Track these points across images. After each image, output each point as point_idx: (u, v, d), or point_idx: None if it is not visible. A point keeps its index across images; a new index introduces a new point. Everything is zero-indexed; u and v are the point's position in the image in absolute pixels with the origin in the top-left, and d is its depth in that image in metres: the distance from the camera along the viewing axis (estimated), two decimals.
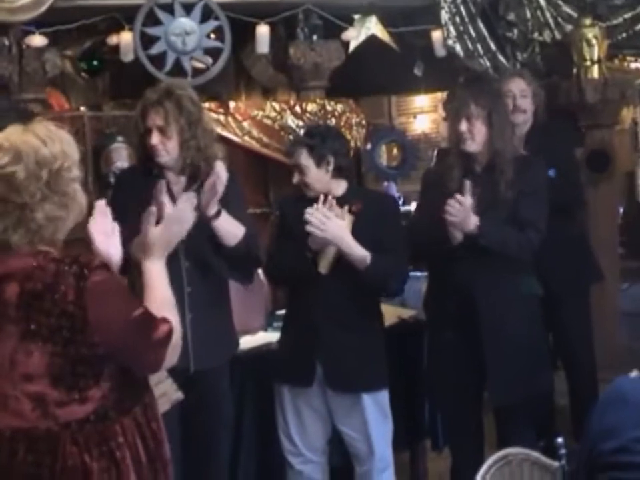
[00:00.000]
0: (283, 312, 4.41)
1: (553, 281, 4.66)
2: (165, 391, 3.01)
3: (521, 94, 4.97)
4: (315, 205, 3.88)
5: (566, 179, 4.88)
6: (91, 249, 2.67)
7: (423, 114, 10.56)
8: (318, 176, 4.00)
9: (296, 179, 4.04)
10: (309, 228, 3.84)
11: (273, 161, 6.08)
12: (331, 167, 4.00)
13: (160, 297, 2.60)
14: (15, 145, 2.43)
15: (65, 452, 2.43)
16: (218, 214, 3.71)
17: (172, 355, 2.54)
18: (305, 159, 4.00)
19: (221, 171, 3.65)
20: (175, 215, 2.88)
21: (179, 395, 3.23)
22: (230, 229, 3.78)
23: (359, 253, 3.90)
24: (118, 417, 2.51)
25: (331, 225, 3.86)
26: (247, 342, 4.44)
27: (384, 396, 4.14)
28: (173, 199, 3.79)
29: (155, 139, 3.73)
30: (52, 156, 2.45)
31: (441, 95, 8.79)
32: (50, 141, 2.48)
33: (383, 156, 7.37)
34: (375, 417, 4.09)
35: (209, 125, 3.93)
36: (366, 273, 3.90)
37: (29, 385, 2.41)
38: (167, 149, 3.74)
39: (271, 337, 4.46)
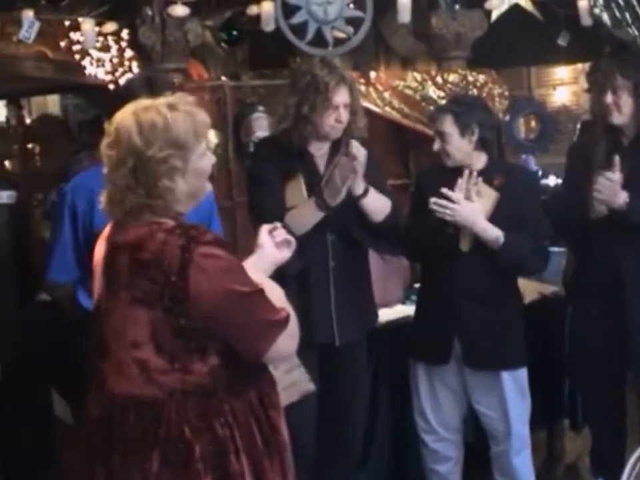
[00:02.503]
0: None
1: None
2: (295, 381, 2.91)
3: None
4: (458, 180, 3.80)
5: None
6: None
7: (563, 85, 10.33)
8: (460, 145, 3.93)
9: (437, 146, 3.97)
10: (437, 215, 3.78)
11: (413, 131, 6.02)
12: (474, 138, 3.92)
13: (275, 294, 2.55)
14: (119, 130, 2.48)
15: (168, 420, 2.45)
16: (365, 193, 3.72)
17: (287, 345, 2.52)
18: (449, 126, 3.92)
19: (356, 151, 3.64)
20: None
21: (310, 387, 3.11)
22: (378, 206, 3.80)
23: (492, 234, 3.81)
24: (228, 397, 2.50)
25: (460, 210, 3.77)
26: (384, 314, 4.42)
27: (523, 374, 4.06)
28: (314, 166, 3.81)
29: (345, 116, 3.79)
30: (181, 134, 2.48)
31: (582, 66, 8.57)
32: (180, 116, 2.51)
33: (521, 128, 7.22)
34: (513, 396, 4.01)
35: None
36: (500, 253, 3.81)
37: (136, 351, 2.46)
38: (344, 124, 3.81)
39: (409, 310, 4.42)
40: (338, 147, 3.80)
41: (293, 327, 2.51)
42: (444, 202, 3.76)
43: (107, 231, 2.60)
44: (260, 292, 2.46)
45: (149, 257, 2.40)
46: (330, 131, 3.82)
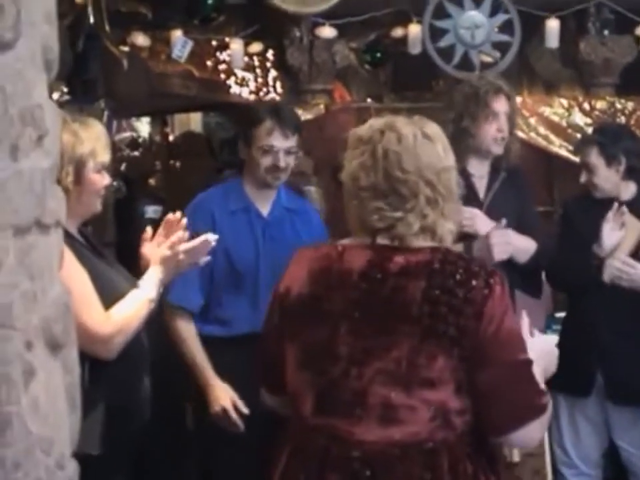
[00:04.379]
0: (562, 314, 4.30)
1: None
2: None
3: None
4: (608, 214, 3.73)
5: None
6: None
7: None
8: (607, 176, 3.86)
9: (584, 178, 3.92)
10: (615, 281, 3.75)
11: (558, 158, 5.95)
12: (622, 168, 3.85)
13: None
14: (444, 146, 2.26)
15: (465, 467, 2.17)
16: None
17: (537, 433, 2.25)
18: (595, 158, 3.86)
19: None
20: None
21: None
22: (520, 247, 3.77)
23: None
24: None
25: (631, 272, 3.73)
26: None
27: None
28: (472, 186, 3.78)
29: (506, 126, 3.80)
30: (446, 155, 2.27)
31: None
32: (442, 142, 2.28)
33: None
34: None
35: None
36: None
37: (429, 392, 2.12)
38: (505, 135, 3.81)
39: (551, 339, 4.33)
40: (498, 168, 3.80)
41: (549, 414, 2.24)
42: (627, 268, 3.71)
43: (333, 259, 2.27)
44: (531, 363, 2.20)
45: (454, 283, 2.12)
46: (492, 144, 3.79)
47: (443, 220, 2.20)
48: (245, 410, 3.51)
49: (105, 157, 2.91)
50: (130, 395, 2.93)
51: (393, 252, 2.19)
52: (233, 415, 3.50)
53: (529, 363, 2.17)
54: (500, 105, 3.77)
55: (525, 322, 2.39)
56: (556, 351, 2.46)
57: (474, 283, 2.11)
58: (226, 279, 3.58)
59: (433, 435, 2.13)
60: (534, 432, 2.20)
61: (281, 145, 3.53)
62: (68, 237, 2.78)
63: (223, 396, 3.52)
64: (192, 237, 3.36)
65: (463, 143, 3.75)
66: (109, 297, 2.83)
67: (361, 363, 2.14)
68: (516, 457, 2.43)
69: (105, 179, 2.93)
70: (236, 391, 3.53)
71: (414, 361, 2.10)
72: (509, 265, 3.75)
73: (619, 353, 3.83)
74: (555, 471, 4.10)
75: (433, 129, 2.25)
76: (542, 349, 2.39)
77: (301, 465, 2.23)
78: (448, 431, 2.14)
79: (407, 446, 2.13)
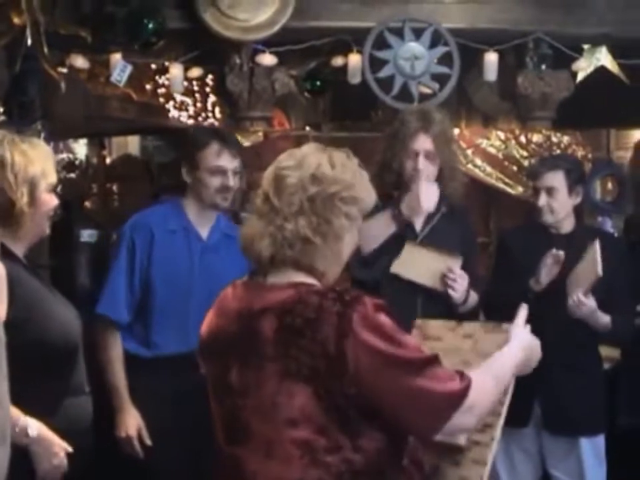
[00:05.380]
0: None
1: None
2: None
3: None
4: (545, 260, 3.78)
5: None
6: None
7: None
8: (565, 203, 3.91)
9: (542, 201, 3.91)
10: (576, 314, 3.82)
11: (494, 190, 6.01)
12: (578, 199, 3.91)
13: (495, 368, 2.34)
14: (304, 156, 2.25)
15: None
16: (465, 300, 3.80)
17: (465, 420, 2.18)
18: (560, 182, 3.89)
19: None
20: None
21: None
22: (470, 302, 3.84)
23: (603, 322, 3.85)
24: (394, 474, 2.22)
25: (583, 309, 3.78)
26: None
27: (601, 441, 4.03)
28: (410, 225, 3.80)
29: (423, 164, 3.77)
30: (333, 179, 2.23)
31: None
32: (341, 167, 2.27)
33: (598, 190, 7.16)
34: (591, 463, 3.97)
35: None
36: (607, 334, 3.85)
37: (294, 431, 2.13)
38: (433, 174, 3.79)
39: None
40: (438, 204, 3.81)
41: (476, 396, 2.17)
42: (580, 299, 3.74)
43: (229, 297, 2.33)
44: (429, 360, 2.16)
45: (302, 323, 2.11)
46: (409, 181, 3.79)
47: (316, 254, 2.21)
48: (148, 441, 3.60)
49: (53, 177, 2.90)
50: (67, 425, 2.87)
51: (261, 290, 2.23)
52: (136, 444, 3.58)
53: (417, 363, 2.13)
54: (420, 144, 3.76)
55: (522, 314, 2.50)
56: (539, 351, 2.52)
57: (324, 321, 2.10)
58: (158, 298, 3.61)
59: (306, 473, 2.14)
60: (461, 421, 2.18)
61: (229, 165, 3.64)
62: (17, 261, 2.76)
63: (132, 424, 3.59)
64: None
65: (388, 177, 3.77)
66: (49, 324, 2.80)
67: (245, 397, 2.21)
68: (462, 440, 2.41)
69: (54, 200, 2.92)
70: (156, 412, 3.54)
71: (276, 400, 2.14)
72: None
73: (556, 383, 3.87)
74: None
75: (309, 158, 2.24)
76: (525, 340, 2.47)
77: None
78: (320, 470, 2.14)
79: None
